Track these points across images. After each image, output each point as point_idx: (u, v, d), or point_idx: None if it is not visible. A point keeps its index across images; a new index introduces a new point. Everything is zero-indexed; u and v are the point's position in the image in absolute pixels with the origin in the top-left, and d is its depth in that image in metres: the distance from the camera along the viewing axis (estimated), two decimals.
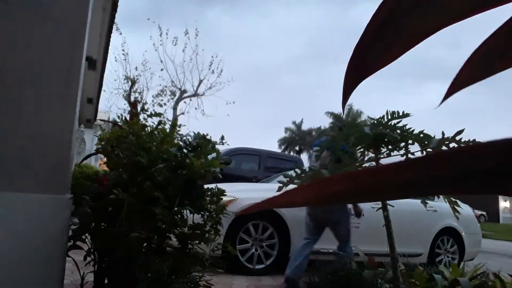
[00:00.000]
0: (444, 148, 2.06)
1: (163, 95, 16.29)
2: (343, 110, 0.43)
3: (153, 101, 16.09)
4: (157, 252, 1.99)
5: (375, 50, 0.38)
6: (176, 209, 1.95)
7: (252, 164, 7.11)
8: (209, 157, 2.11)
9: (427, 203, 2.43)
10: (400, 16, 0.36)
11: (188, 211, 2.03)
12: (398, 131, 2.31)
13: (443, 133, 2.09)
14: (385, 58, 0.39)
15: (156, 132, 2.10)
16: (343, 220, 3.78)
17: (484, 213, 28.29)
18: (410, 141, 2.24)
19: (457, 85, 0.43)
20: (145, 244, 1.96)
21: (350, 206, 4.16)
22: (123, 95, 15.80)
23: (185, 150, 2.14)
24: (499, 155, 0.27)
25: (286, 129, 42.96)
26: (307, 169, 2.46)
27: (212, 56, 17.71)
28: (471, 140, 1.96)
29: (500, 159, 0.27)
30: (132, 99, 15.44)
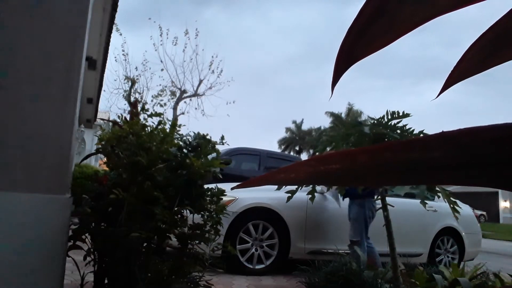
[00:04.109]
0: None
1: (163, 95, 16.30)
2: (332, 91, 0.42)
3: (152, 101, 16.11)
4: (157, 252, 1.99)
5: (368, 34, 0.38)
6: (176, 209, 1.95)
7: (252, 164, 7.11)
8: (209, 157, 2.11)
9: (426, 203, 2.43)
10: (394, 3, 0.36)
11: (188, 211, 2.03)
12: (398, 131, 2.31)
13: None
14: (378, 43, 0.39)
15: (156, 132, 2.10)
16: None
17: (484, 213, 28.24)
18: None
19: (454, 78, 0.44)
20: (145, 244, 1.96)
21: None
22: (123, 95, 15.80)
23: (185, 150, 2.14)
24: (498, 139, 0.26)
25: (287, 129, 42.97)
26: None
27: (212, 56, 17.74)
28: None
29: (500, 142, 0.26)
30: (132, 99, 15.43)
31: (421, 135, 2.23)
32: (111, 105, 20.65)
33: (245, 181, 0.37)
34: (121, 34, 15.17)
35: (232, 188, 0.52)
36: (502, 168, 0.28)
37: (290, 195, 3.28)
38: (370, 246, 4.17)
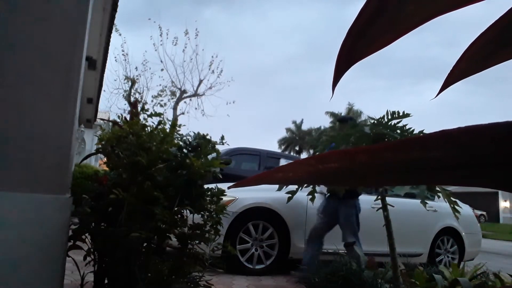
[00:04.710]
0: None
1: (163, 95, 16.30)
2: (333, 91, 0.42)
3: (152, 101, 16.11)
4: (157, 252, 1.99)
5: (368, 34, 0.38)
6: (176, 209, 1.95)
7: (252, 164, 7.10)
8: (209, 157, 2.11)
9: (426, 203, 2.43)
10: (394, 3, 0.36)
11: (188, 211, 2.03)
12: (398, 131, 2.31)
13: None
14: (378, 43, 0.39)
15: (156, 132, 2.10)
16: None
17: (484, 213, 28.24)
18: None
19: (453, 77, 0.44)
20: (145, 244, 1.96)
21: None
22: (123, 95, 15.80)
23: (185, 150, 2.14)
24: (498, 138, 0.26)
25: (287, 129, 43.00)
26: None
27: (212, 56, 17.73)
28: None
29: (501, 141, 0.26)
30: (132, 99, 15.43)
31: (421, 135, 2.23)
32: (111, 105, 20.68)
33: (242, 180, 0.36)
34: (120, 35, 15.18)
35: (229, 187, 0.51)
36: (502, 168, 0.28)
37: (290, 195, 3.28)
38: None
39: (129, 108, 13.72)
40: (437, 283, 2.81)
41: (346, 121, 4.03)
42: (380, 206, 2.85)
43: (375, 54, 0.42)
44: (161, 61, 16.13)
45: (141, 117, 2.21)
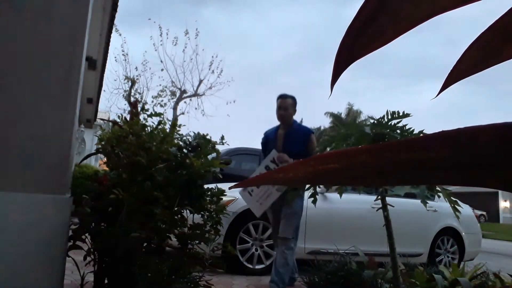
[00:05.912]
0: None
1: (163, 96, 16.29)
2: (332, 89, 0.42)
3: (152, 101, 16.10)
4: (157, 252, 1.99)
5: (368, 32, 0.38)
6: (176, 209, 1.95)
7: (252, 164, 7.09)
8: (209, 157, 2.11)
9: (427, 202, 2.42)
10: (393, 2, 0.36)
11: (188, 211, 2.03)
12: (398, 131, 2.31)
13: None
14: (377, 41, 0.39)
15: (156, 132, 2.10)
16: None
17: (484, 213, 28.25)
18: None
19: (453, 77, 0.43)
20: (145, 244, 1.96)
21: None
22: (123, 95, 15.79)
23: (185, 150, 2.14)
24: (498, 139, 0.26)
25: None
26: None
27: (212, 56, 17.70)
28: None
29: (500, 142, 0.26)
30: (132, 99, 15.42)
31: (421, 135, 2.23)
32: (111, 105, 20.61)
33: (243, 181, 0.36)
34: (120, 35, 15.17)
35: (230, 188, 0.51)
36: (502, 168, 0.28)
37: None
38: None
39: (129, 108, 13.71)
40: (437, 283, 2.81)
41: (286, 98, 3.84)
42: (380, 206, 2.85)
43: (374, 54, 0.42)
44: (161, 61, 16.11)
45: (141, 117, 2.21)
